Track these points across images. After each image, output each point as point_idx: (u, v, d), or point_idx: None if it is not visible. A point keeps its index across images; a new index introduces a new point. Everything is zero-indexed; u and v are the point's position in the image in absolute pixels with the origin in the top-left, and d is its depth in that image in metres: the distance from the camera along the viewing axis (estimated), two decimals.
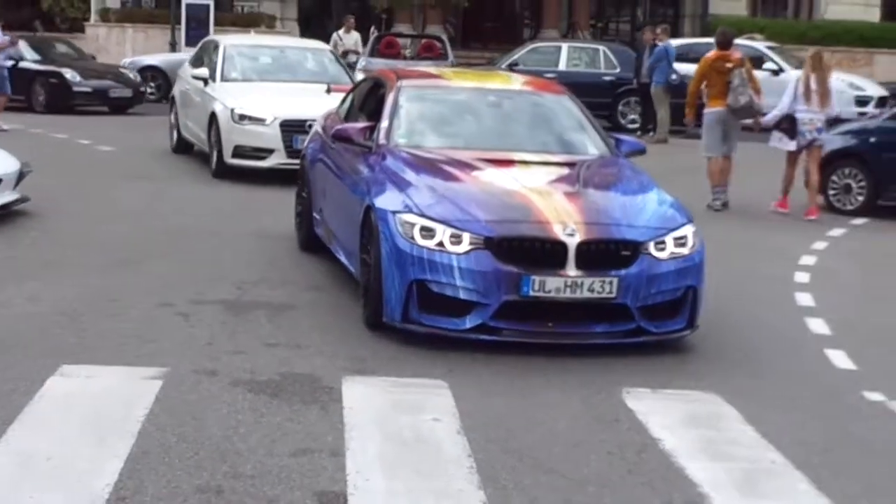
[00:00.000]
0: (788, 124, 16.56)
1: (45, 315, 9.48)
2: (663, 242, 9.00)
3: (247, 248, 12.51)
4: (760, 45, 31.20)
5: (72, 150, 21.26)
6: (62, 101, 28.42)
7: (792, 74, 24.24)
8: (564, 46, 32.66)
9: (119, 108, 29.02)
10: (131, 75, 30.02)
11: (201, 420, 7.15)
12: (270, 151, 16.49)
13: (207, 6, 38.04)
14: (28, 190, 14.05)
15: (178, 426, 7.00)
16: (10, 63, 26.89)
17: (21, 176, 13.89)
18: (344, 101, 12.84)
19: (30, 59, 29.55)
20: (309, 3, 44.61)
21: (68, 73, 28.70)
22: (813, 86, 16.53)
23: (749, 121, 17.39)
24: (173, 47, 36.91)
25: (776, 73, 28.77)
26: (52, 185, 15.62)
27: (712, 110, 17.35)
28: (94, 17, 41.25)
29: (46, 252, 12.08)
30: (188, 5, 37.78)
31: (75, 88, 28.58)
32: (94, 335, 8.98)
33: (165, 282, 10.79)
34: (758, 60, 27.83)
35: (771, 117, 17.02)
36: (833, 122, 17.48)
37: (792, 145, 16.58)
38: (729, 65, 17.31)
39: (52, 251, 12.12)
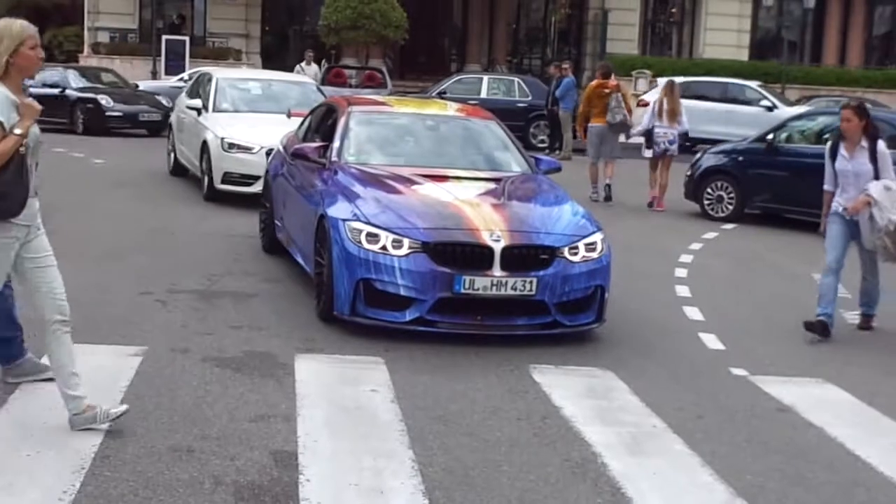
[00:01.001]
0: (648, 137, 18.35)
1: None
2: (576, 248, 8.99)
3: (217, 247, 12.44)
4: (754, 84, 31.42)
5: (82, 169, 21.01)
6: (97, 124, 27.96)
7: (786, 111, 25.23)
8: (485, 78, 32.81)
9: (152, 130, 28.25)
10: (163, 101, 28.71)
11: (175, 390, 7.10)
12: (257, 178, 14.86)
13: (184, 41, 37.88)
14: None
15: (155, 396, 6.95)
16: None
17: None
18: (302, 123, 12.78)
19: (74, 86, 29.17)
20: (269, 39, 44.43)
21: (103, 99, 28.25)
22: (665, 107, 18.22)
23: (622, 134, 19.11)
24: (154, 76, 36.69)
25: (770, 109, 28.97)
26: (61, 201, 15.44)
27: (594, 125, 19.01)
28: (87, 49, 40.86)
29: None
30: (167, 40, 37.61)
31: (108, 113, 28.09)
32: (84, 318, 8.85)
33: (146, 273, 10.71)
34: (754, 100, 29.42)
35: (636, 131, 18.86)
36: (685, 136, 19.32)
37: (649, 153, 18.38)
38: (607, 90, 18.96)
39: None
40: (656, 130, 18.20)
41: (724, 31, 43.27)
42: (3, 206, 5.94)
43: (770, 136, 17.31)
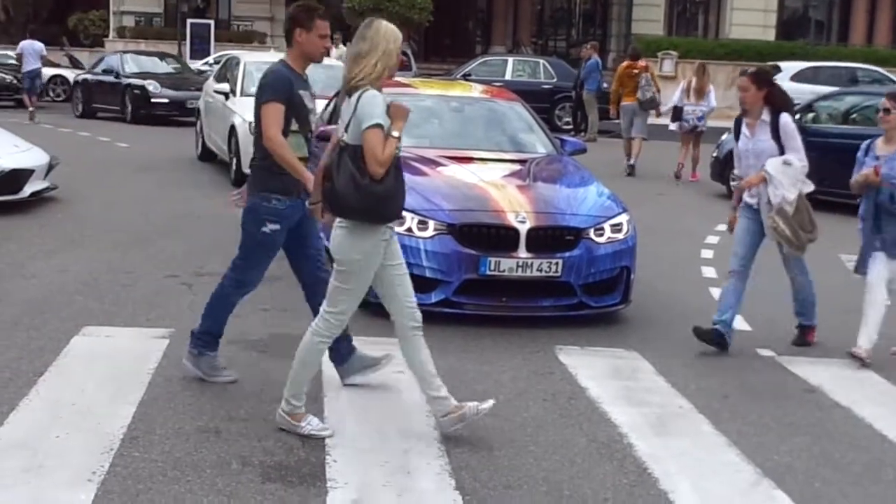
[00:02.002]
0: (675, 113, 19.81)
1: (70, 284, 9.45)
2: (602, 229, 8.99)
3: None
4: (882, 69, 31.23)
5: (107, 152, 21.13)
6: (144, 110, 26.90)
7: None
8: (510, 60, 32.73)
9: None
10: None
11: None
12: None
13: (209, 25, 37.94)
14: (56, 179, 13.99)
15: (182, 377, 6.99)
16: (38, 66, 26.67)
17: (50, 168, 13.82)
18: (327, 106, 12.77)
19: (126, 71, 28.28)
20: None
21: (150, 85, 27.01)
22: (694, 86, 19.53)
23: (653, 111, 20.65)
24: None
25: None
26: (91, 186, 15.56)
27: (626, 104, 20.57)
28: (112, 33, 41.02)
29: (71, 231, 12.02)
30: (192, 24, 37.63)
31: (154, 99, 26.84)
32: (112, 301, 8.96)
33: (172, 257, 10.77)
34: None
35: (665, 108, 20.53)
36: None
37: (674, 126, 19.80)
38: (636, 71, 20.59)
39: (75, 231, 12.07)
40: (686, 108, 19.53)
41: (750, 11, 43.00)
42: (389, 209, 5.93)
43: (797, 117, 17.21)
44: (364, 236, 5.90)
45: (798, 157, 8.35)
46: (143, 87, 27.02)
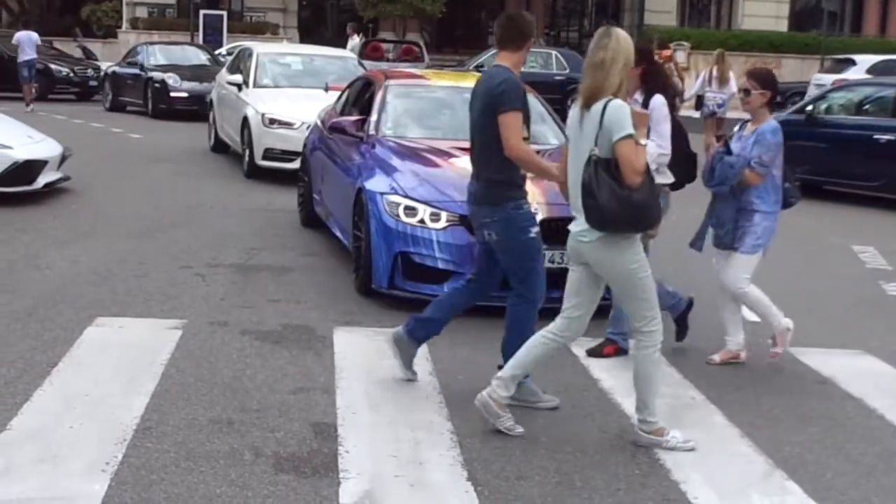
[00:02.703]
0: (697, 101, 21.19)
1: (83, 275, 9.47)
2: None
3: (256, 222, 12.49)
4: None
5: (121, 143, 21.16)
6: (164, 105, 25.80)
7: None
8: None
9: None
10: None
11: (214, 363, 7.15)
12: (298, 154, 14.04)
13: (222, 16, 37.92)
14: (71, 171, 14.02)
15: (195, 368, 7.00)
16: (34, 56, 26.72)
17: (63, 159, 13.85)
18: (340, 97, 12.78)
19: (149, 64, 27.25)
20: (307, 14, 44.43)
21: (170, 79, 25.86)
22: (715, 74, 20.69)
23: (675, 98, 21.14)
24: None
25: None
26: (98, 171, 15.59)
27: None
28: (125, 24, 41.03)
29: (84, 222, 12.05)
30: (205, 15, 37.61)
31: (173, 93, 25.65)
32: (125, 292, 8.97)
33: (185, 248, 10.78)
34: None
35: (688, 95, 21.59)
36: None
37: (696, 114, 20.84)
38: (660, 60, 20.52)
39: (88, 222, 12.09)
40: (707, 94, 20.69)
41: (763, 2, 42.89)
42: (650, 216, 5.92)
43: (810, 108, 17.19)
44: (627, 245, 5.91)
45: (658, 144, 7.51)
46: (162, 81, 25.96)
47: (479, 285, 7.01)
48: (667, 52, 22.02)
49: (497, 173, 6.53)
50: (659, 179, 7.26)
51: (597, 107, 5.77)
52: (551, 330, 6.20)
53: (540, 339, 6.22)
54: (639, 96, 7.66)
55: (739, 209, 7.72)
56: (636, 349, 6.16)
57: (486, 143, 6.53)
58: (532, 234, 6.57)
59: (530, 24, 6.70)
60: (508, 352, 6.58)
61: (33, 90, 26.72)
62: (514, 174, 6.52)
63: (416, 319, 7.00)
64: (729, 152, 7.66)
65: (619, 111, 5.72)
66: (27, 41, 26.95)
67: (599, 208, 5.74)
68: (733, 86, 20.44)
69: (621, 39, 5.84)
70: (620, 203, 5.70)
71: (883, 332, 8.94)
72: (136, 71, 27.19)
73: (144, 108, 26.33)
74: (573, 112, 6.03)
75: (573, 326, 6.20)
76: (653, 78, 7.68)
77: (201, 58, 28.90)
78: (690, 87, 23.25)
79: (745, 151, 7.64)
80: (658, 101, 7.57)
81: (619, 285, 6.05)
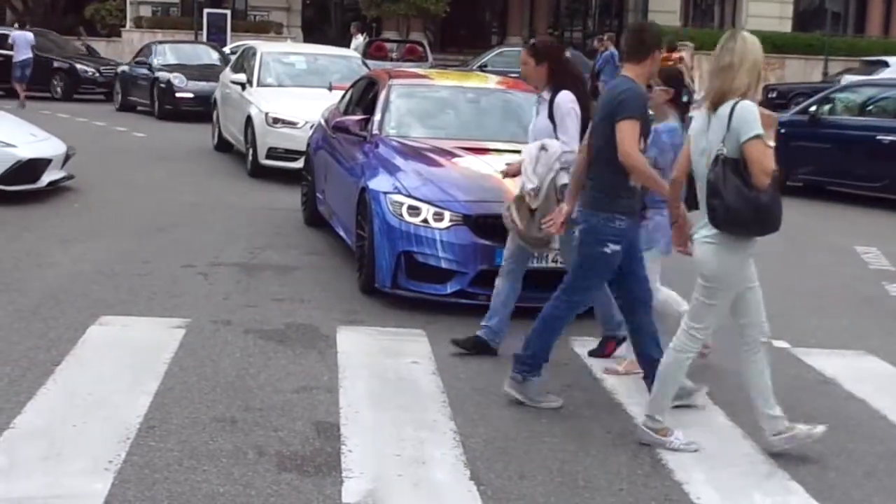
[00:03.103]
0: None
1: (86, 273, 9.48)
2: None
3: (259, 221, 12.50)
4: None
5: (124, 141, 21.17)
6: (170, 106, 24.97)
7: None
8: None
9: None
10: None
11: (218, 362, 7.16)
12: (302, 153, 13.68)
13: (225, 15, 37.90)
14: (74, 169, 14.03)
15: (198, 367, 7.01)
16: (30, 55, 26.78)
17: (67, 157, 13.86)
18: (344, 97, 12.77)
19: (156, 63, 26.52)
20: (311, 13, 44.44)
21: (176, 79, 24.94)
22: None
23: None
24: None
25: None
26: (102, 170, 15.61)
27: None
28: (129, 23, 41.03)
29: (87, 221, 12.06)
30: (209, 14, 37.59)
31: (178, 94, 24.75)
32: (129, 291, 8.98)
33: (188, 246, 10.79)
34: None
35: (698, 95, 20.48)
36: None
37: None
38: (670, 63, 20.28)
39: (92, 220, 12.10)
40: None
41: (766, 3, 42.85)
42: (775, 218, 5.88)
43: (813, 108, 17.19)
44: (735, 251, 5.87)
45: (563, 142, 7.34)
46: (168, 81, 25.08)
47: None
48: (678, 54, 22.12)
49: (604, 179, 6.51)
50: (564, 180, 7.25)
51: (724, 109, 5.76)
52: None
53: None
54: (547, 94, 7.55)
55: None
56: (674, 348, 6.13)
57: (600, 148, 6.51)
58: (607, 251, 6.48)
59: (655, 35, 6.69)
60: (531, 340, 6.68)
61: (19, 87, 26.94)
62: (619, 184, 6.46)
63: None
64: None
65: (748, 112, 5.71)
66: (23, 41, 27.12)
67: (726, 207, 5.72)
68: None
69: (748, 41, 5.83)
70: (747, 203, 5.69)
71: (886, 333, 8.94)
72: (146, 71, 26.54)
73: (152, 109, 25.80)
74: (699, 116, 6.02)
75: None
76: (560, 74, 7.57)
77: (213, 57, 28.13)
78: (700, 87, 23.58)
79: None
80: (565, 97, 7.47)
81: (706, 285, 5.97)
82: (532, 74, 7.66)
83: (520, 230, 7.42)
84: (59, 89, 28.65)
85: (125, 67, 28.29)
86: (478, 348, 7.66)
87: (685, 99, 7.86)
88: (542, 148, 7.38)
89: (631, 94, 6.42)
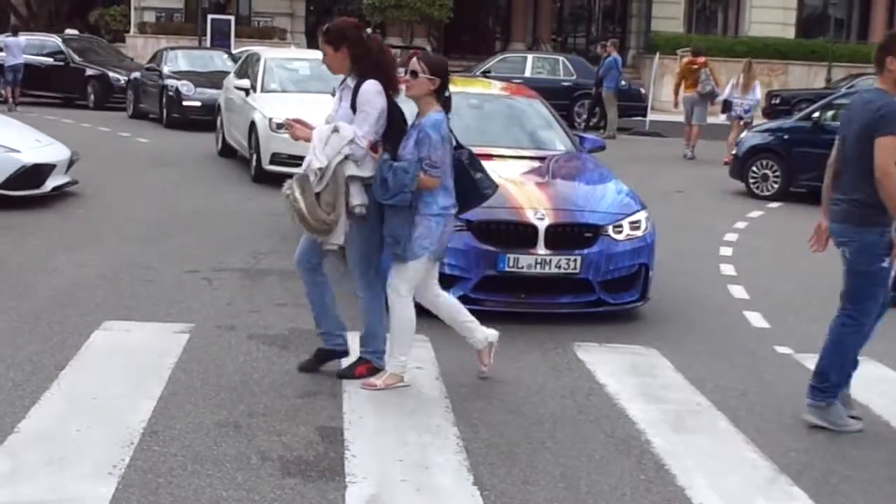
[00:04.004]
0: (725, 105, 22.73)
1: (90, 278, 9.49)
2: (620, 226, 8.95)
3: (263, 226, 12.50)
4: None
5: (129, 147, 21.19)
6: (177, 113, 24.24)
7: None
8: (530, 57, 32.69)
9: None
10: None
11: (222, 367, 7.17)
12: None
13: (229, 20, 37.94)
14: (77, 175, 14.05)
15: (202, 372, 7.02)
16: (21, 60, 27.15)
17: (71, 163, 13.88)
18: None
19: (166, 70, 25.82)
20: (315, 19, 44.48)
21: (184, 87, 24.19)
22: (742, 81, 22.41)
23: (710, 101, 23.42)
24: None
25: None
26: (106, 175, 15.62)
27: (686, 95, 23.76)
28: (133, 29, 41.12)
29: (92, 226, 12.07)
30: (213, 20, 37.64)
31: (185, 102, 23.98)
32: (132, 296, 8.99)
33: (192, 252, 10.80)
34: None
35: (719, 99, 23.03)
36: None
37: (724, 117, 22.91)
38: (696, 66, 23.61)
39: (96, 225, 12.11)
40: (734, 100, 22.41)
41: (770, 9, 42.84)
42: None
43: (816, 115, 17.20)
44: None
45: (355, 128, 6.78)
46: (176, 89, 24.33)
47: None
48: (702, 60, 23.13)
49: (865, 195, 6.48)
50: (355, 171, 6.77)
51: None
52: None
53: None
54: (351, 81, 6.95)
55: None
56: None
57: (857, 163, 6.50)
58: (884, 264, 6.55)
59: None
60: (824, 365, 6.69)
61: (7, 91, 27.41)
62: (878, 197, 6.42)
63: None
64: (395, 158, 6.81)
65: None
66: (15, 46, 27.48)
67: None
68: (757, 93, 22.81)
69: None
70: None
71: (889, 339, 8.92)
72: (155, 78, 25.77)
73: (160, 117, 25.15)
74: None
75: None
76: (362, 59, 6.88)
77: (227, 64, 26.81)
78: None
79: (405, 151, 6.86)
80: (367, 85, 6.82)
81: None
82: (333, 63, 7.01)
83: (300, 210, 6.87)
84: (92, 97, 28.59)
85: (137, 74, 27.56)
86: (326, 358, 7.17)
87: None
88: (335, 130, 6.79)
89: (889, 109, 6.37)
